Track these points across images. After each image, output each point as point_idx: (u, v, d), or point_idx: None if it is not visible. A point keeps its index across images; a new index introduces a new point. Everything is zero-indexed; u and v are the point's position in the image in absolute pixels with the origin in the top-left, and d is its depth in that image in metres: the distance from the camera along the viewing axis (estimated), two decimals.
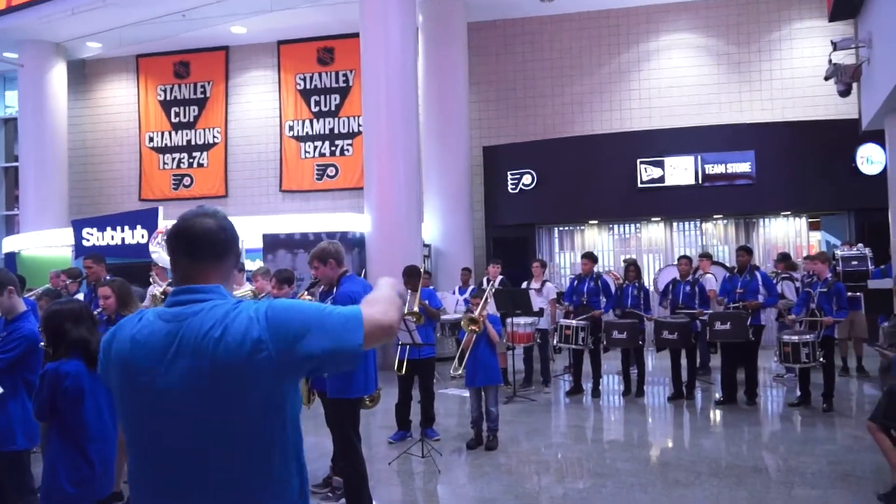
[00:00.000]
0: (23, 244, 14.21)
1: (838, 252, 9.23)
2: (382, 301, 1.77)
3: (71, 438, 3.28)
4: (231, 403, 1.60)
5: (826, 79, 8.93)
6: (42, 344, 3.49)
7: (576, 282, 8.90)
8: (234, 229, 1.80)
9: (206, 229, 1.73)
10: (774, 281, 8.85)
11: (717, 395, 8.03)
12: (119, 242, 12.31)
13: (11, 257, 13.92)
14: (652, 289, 10.97)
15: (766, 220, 13.09)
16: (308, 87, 15.59)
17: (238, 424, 1.62)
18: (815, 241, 13.27)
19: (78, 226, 12.82)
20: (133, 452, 1.74)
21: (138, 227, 12.28)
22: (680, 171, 12.32)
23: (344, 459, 4.48)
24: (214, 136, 16.09)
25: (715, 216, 13.11)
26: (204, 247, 1.73)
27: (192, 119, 16.21)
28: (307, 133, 15.58)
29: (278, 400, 1.65)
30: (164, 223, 12.09)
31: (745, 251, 8.15)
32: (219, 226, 1.75)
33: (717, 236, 13.44)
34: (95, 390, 3.34)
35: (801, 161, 11.77)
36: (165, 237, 1.79)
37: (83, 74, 16.67)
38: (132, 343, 1.69)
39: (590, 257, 8.86)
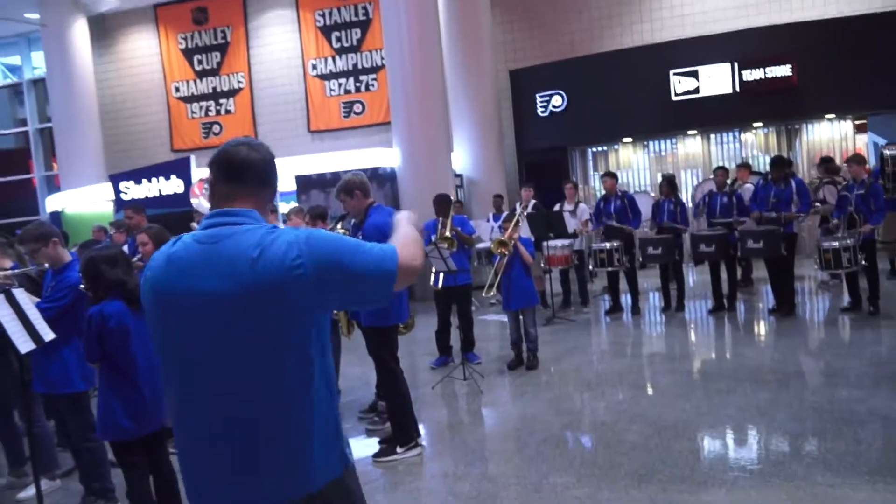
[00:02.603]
0: (65, 202, 14.59)
1: (886, 152, 8.79)
2: (406, 241, 1.82)
3: (122, 375, 3.42)
4: (265, 322, 1.61)
5: None
6: (82, 287, 3.61)
7: (602, 203, 8.81)
8: (272, 162, 1.85)
9: (245, 156, 1.78)
10: (816, 186, 8.55)
11: (771, 306, 7.86)
12: (157, 194, 12.55)
13: (56, 216, 14.32)
14: (690, 204, 10.75)
15: (809, 125, 12.55)
16: (328, 23, 15.31)
17: (272, 344, 1.62)
18: (862, 143, 12.72)
19: (115, 180, 13.08)
20: (171, 385, 1.74)
21: (173, 177, 12.49)
22: (715, 80, 11.85)
23: (385, 384, 4.61)
24: (239, 82, 16.03)
25: (755, 125, 12.64)
26: (240, 173, 1.77)
27: (215, 66, 16.14)
28: (331, 71, 15.39)
29: (311, 324, 1.66)
30: (198, 171, 12.24)
31: (777, 164, 7.74)
32: (258, 155, 1.80)
33: (758, 146, 12.98)
34: (140, 328, 3.46)
35: (845, 60, 11.13)
36: (208, 164, 1.83)
37: (104, 28, 16.64)
38: (167, 262, 1.71)
39: (610, 175, 8.83)
